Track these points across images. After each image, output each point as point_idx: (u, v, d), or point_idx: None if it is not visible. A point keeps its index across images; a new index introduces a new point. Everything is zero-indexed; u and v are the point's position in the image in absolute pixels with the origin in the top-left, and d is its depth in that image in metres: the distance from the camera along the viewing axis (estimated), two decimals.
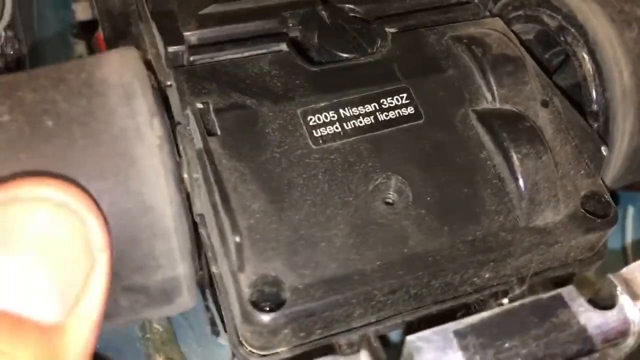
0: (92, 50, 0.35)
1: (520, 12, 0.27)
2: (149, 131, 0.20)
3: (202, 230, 0.22)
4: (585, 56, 0.25)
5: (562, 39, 0.25)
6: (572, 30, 0.25)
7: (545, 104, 0.24)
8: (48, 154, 0.19)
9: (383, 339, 0.21)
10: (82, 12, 0.37)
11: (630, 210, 0.30)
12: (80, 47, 0.36)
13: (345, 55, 0.24)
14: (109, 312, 0.22)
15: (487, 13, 0.27)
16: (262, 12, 0.25)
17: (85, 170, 0.19)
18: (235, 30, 0.25)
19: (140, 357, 0.26)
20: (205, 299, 0.28)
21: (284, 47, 0.24)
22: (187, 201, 0.21)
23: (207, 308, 0.29)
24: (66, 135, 0.19)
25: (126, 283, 0.21)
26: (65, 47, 0.36)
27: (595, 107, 0.25)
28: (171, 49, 0.23)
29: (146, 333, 0.26)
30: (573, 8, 0.25)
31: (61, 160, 0.19)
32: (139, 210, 0.20)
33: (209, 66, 0.23)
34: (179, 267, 0.21)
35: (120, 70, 0.21)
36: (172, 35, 0.23)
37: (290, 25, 0.25)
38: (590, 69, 0.25)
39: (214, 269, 0.21)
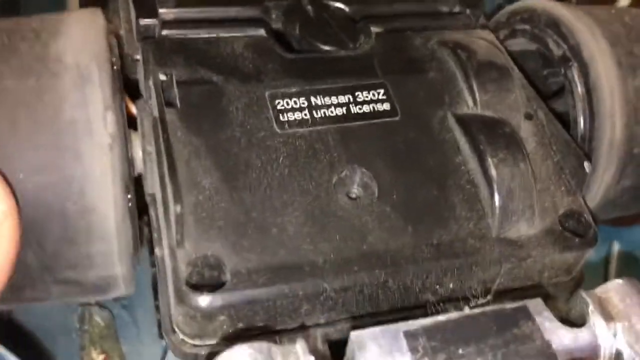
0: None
1: (527, 27, 0.26)
2: (100, 127, 0.18)
3: (151, 211, 0.21)
4: (582, 97, 0.23)
5: (563, 70, 0.24)
6: (576, 64, 0.23)
7: (529, 117, 0.23)
8: None
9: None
10: None
11: (616, 246, 0.28)
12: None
13: (325, 47, 0.23)
14: (40, 296, 0.20)
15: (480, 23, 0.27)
16: (245, 0, 0.25)
17: (25, 161, 0.18)
18: (214, 13, 0.24)
19: (75, 348, 0.24)
20: (156, 298, 0.26)
21: (262, 32, 0.23)
22: (134, 199, 0.20)
23: (157, 308, 0.27)
24: (9, 119, 0.18)
25: (59, 277, 0.19)
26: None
27: None
28: (143, 21, 0.22)
29: (84, 325, 0.24)
30: (581, 42, 0.23)
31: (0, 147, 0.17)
32: (79, 211, 0.18)
33: (178, 40, 0.22)
34: (117, 268, 0.20)
35: (79, 46, 0.19)
36: (145, 9, 0.23)
37: (273, 16, 0.25)
38: (583, 113, 0.23)
39: (157, 251, 0.20)
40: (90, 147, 0.18)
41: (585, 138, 0.24)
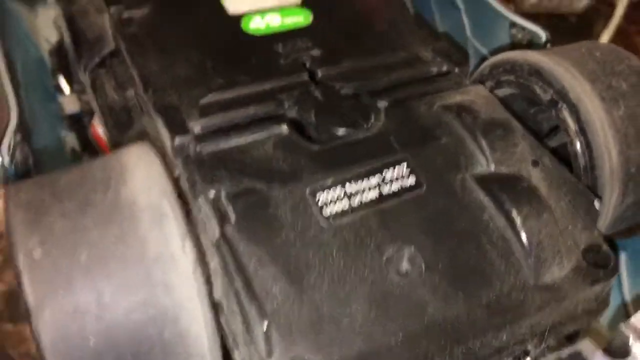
0: (85, 142, 0.36)
1: (511, 77, 0.28)
2: (182, 257, 0.20)
3: (221, 319, 0.22)
4: (577, 134, 0.26)
5: (554, 113, 0.26)
6: (565, 105, 0.26)
7: (535, 164, 0.25)
8: (85, 290, 0.19)
9: None
10: (70, 105, 0.38)
11: (622, 256, 0.31)
12: (70, 139, 0.37)
13: (342, 131, 0.26)
14: None
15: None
16: (259, 97, 0.26)
17: (122, 304, 0.19)
18: (236, 116, 0.25)
19: None
20: None
21: (284, 128, 0.25)
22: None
23: None
24: (101, 270, 0.19)
25: None
26: (56, 141, 0.36)
27: (584, 181, 0.26)
28: (178, 139, 0.24)
29: None
30: (565, 86, 0.26)
31: (100, 295, 0.19)
32: (175, 337, 0.20)
33: (215, 154, 0.24)
34: None
35: (147, 187, 0.21)
36: (177, 127, 0.24)
37: (287, 106, 0.27)
38: (581, 147, 0.26)
39: (235, 356, 0.21)
40: (177, 277, 0.20)
41: (587, 168, 0.26)
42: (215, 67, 0.27)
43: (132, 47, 0.28)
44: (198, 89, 0.26)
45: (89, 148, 0.37)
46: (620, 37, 0.59)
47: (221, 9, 0.31)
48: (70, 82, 0.38)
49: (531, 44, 0.33)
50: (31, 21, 0.42)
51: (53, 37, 0.40)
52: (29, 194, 0.21)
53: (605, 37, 0.56)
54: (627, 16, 0.60)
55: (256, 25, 0.30)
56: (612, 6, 0.60)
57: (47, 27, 0.40)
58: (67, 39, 0.33)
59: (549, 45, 0.32)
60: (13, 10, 0.41)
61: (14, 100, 0.24)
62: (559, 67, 0.26)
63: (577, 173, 0.26)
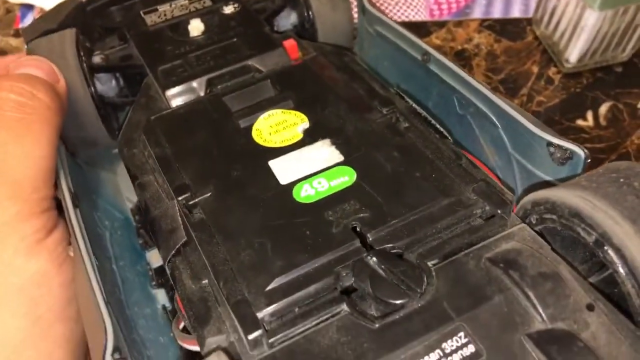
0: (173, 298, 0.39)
1: (554, 217, 0.29)
2: None
3: None
4: (626, 276, 0.26)
5: (601, 255, 0.27)
6: (610, 248, 0.26)
7: (591, 308, 0.26)
8: None
9: None
10: (156, 259, 0.42)
11: None
12: (160, 295, 0.41)
13: (399, 302, 0.27)
14: None
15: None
16: (317, 274, 0.29)
17: None
18: (300, 298, 0.28)
19: None
20: None
21: (344, 307, 0.27)
22: None
23: None
24: None
25: None
26: (148, 300, 0.40)
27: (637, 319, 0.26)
28: (251, 336, 0.27)
29: None
30: (607, 230, 0.26)
31: None
32: None
33: (288, 347, 0.26)
34: None
35: None
36: (250, 323, 0.27)
37: (344, 275, 0.29)
38: (632, 288, 0.26)
39: None
40: None
41: None
42: (275, 248, 0.30)
43: (200, 236, 0.32)
44: (263, 276, 0.29)
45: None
46: None
47: (275, 180, 0.34)
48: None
49: (571, 158, 0.33)
50: (113, 182, 0.47)
51: (134, 195, 0.43)
52: None
53: None
54: None
55: (306, 193, 0.33)
56: None
57: (128, 186, 0.42)
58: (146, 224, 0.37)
59: (588, 161, 0.33)
60: (95, 178, 0.46)
61: (109, 320, 0.28)
62: (598, 211, 0.27)
63: (633, 311, 0.27)
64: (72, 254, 0.35)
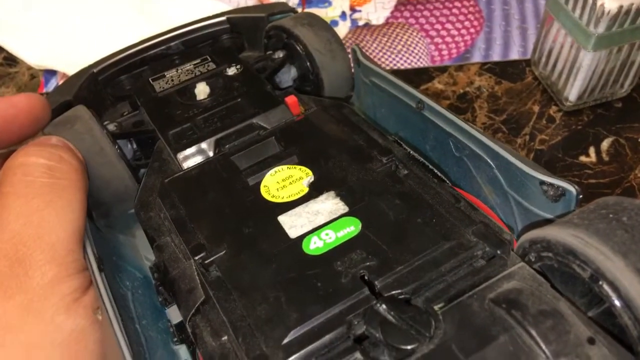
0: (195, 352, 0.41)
1: (550, 254, 0.31)
2: None
3: None
4: (622, 308, 0.27)
5: (597, 289, 0.28)
6: (605, 283, 0.28)
7: (591, 341, 0.28)
8: None
9: None
10: (175, 315, 0.44)
11: None
12: (182, 351, 0.42)
13: (410, 347, 0.29)
14: None
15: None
16: (331, 324, 0.30)
17: None
18: (315, 349, 0.30)
19: None
20: None
21: (357, 355, 0.29)
22: None
23: None
24: None
25: None
26: (172, 356, 0.42)
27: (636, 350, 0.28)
28: None
29: None
30: (600, 267, 0.28)
31: None
32: None
33: None
34: None
35: None
36: None
37: (356, 323, 0.30)
38: (629, 320, 0.27)
39: None
40: None
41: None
42: (289, 301, 0.32)
43: (217, 293, 0.33)
44: (279, 329, 0.30)
45: None
46: None
47: (285, 235, 0.36)
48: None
49: (564, 195, 0.35)
50: (131, 243, 0.49)
51: (151, 254, 0.44)
52: None
53: None
54: None
55: (315, 245, 0.35)
56: None
57: (145, 244, 0.44)
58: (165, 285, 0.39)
59: (580, 197, 0.34)
60: (114, 240, 0.48)
61: None
62: (591, 248, 0.29)
63: (633, 341, 0.28)
64: (99, 317, 0.36)
